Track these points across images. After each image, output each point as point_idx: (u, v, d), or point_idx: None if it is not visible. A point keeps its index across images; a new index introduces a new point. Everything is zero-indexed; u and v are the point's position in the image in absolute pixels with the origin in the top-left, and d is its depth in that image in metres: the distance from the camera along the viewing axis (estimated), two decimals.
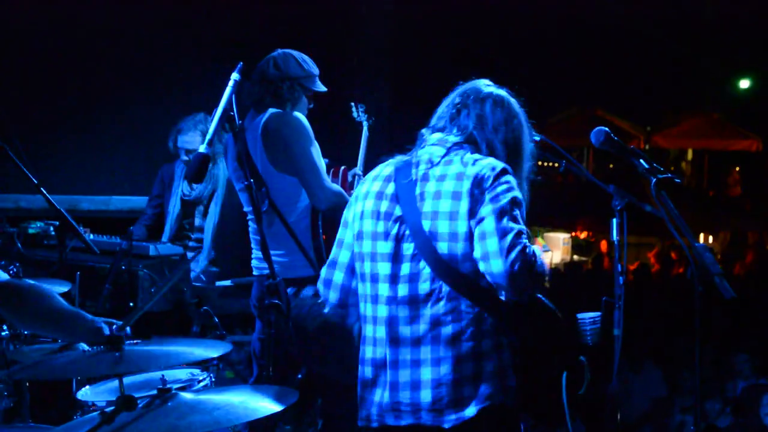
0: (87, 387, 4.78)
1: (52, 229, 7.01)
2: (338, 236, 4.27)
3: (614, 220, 4.36)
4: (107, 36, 9.93)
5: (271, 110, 5.73)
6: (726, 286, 3.82)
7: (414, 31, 11.67)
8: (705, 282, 3.87)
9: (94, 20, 9.87)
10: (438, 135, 4.10)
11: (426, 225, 3.87)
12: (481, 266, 3.78)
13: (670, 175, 4.09)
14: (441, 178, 3.92)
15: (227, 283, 6.95)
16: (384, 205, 4.01)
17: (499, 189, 3.83)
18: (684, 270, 14.86)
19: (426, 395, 3.84)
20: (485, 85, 4.20)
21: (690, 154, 31.66)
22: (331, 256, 4.29)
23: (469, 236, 3.82)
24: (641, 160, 4.13)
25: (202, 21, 10.41)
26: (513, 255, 3.70)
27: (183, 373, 4.88)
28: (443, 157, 3.99)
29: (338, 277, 4.22)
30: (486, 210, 3.79)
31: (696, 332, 4.01)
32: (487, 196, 3.81)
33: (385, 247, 3.96)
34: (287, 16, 10.98)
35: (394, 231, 3.95)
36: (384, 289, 3.95)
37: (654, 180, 4.06)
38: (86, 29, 9.82)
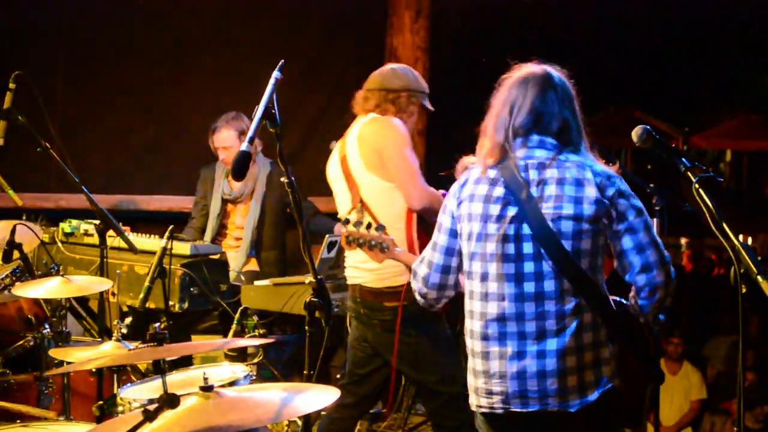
0: (129, 384, 4.82)
1: (93, 228, 7.04)
2: (433, 238, 4.46)
3: (655, 220, 4.41)
4: (146, 35, 9.95)
5: (372, 115, 5.82)
6: None
7: (451, 30, 11.63)
8: (749, 282, 3.85)
9: (133, 20, 9.90)
10: (534, 136, 4.23)
11: (550, 225, 4.06)
12: (640, 277, 4.16)
13: (711, 174, 4.08)
14: (560, 182, 4.12)
15: (266, 282, 6.96)
16: (494, 208, 4.16)
17: (634, 201, 4.15)
18: (725, 271, 14.79)
19: (552, 383, 4.08)
20: (551, 72, 4.34)
21: (728, 155, 31.48)
22: (427, 257, 4.48)
23: (595, 233, 4.08)
24: (683, 159, 4.11)
25: (240, 21, 10.41)
26: (668, 265, 4.17)
27: (225, 371, 4.90)
28: (551, 159, 4.18)
29: (434, 277, 4.44)
30: (634, 220, 4.12)
31: (740, 334, 3.99)
32: (626, 204, 4.12)
33: (504, 247, 4.12)
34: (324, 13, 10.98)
35: (512, 231, 4.12)
36: (510, 288, 4.12)
37: (696, 179, 4.05)
38: (125, 28, 9.86)
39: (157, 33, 10.01)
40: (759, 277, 3.79)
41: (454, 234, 4.35)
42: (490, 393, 4.20)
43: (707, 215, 3.96)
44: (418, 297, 4.57)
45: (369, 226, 4.97)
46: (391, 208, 5.63)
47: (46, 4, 9.51)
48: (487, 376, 4.21)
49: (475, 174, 4.30)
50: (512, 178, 4.15)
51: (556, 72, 4.35)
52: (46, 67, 9.51)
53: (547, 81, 4.27)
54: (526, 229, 4.09)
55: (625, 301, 4.33)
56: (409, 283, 5.23)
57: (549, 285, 4.07)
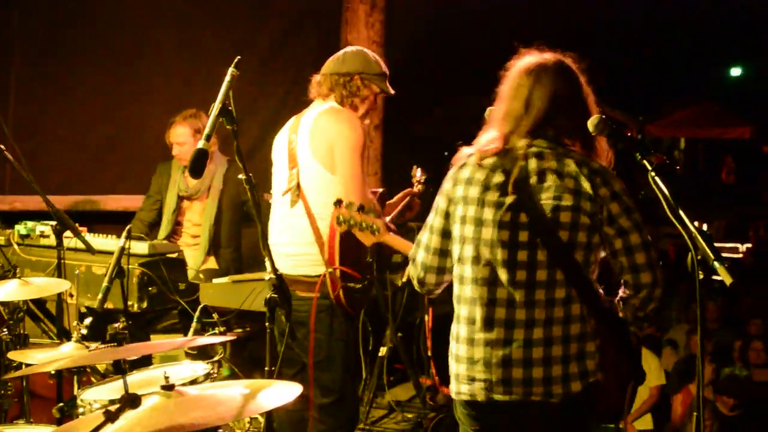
0: (90, 386, 4.79)
1: (49, 229, 6.99)
2: (429, 221, 4.43)
3: None
4: (102, 34, 9.90)
5: (331, 104, 5.80)
6: (726, 273, 3.83)
7: (407, 24, 11.64)
8: (705, 269, 3.88)
9: (89, 18, 9.84)
10: (539, 128, 4.23)
11: (547, 213, 4.08)
12: (627, 276, 4.19)
13: (667, 161, 4.11)
14: (559, 174, 4.12)
15: (225, 280, 6.94)
16: (492, 194, 4.17)
17: (627, 200, 4.17)
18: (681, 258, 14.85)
19: (537, 372, 4.08)
20: (539, 60, 4.34)
21: (683, 143, 31.68)
22: (424, 241, 4.44)
23: (591, 228, 4.10)
24: (639, 147, 4.13)
25: (198, 18, 10.38)
26: (659, 268, 4.19)
27: (186, 369, 4.89)
28: (552, 150, 4.19)
29: (433, 260, 4.41)
30: (624, 222, 4.14)
31: (698, 318, 4.02)
32: (617, 205, 4.13)
33: (499, 234, 4.13)
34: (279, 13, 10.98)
35: (508, 219, 4.12)
36: (502, 274, 4.12)
37: (652, 167, 4.08)
38: (81, 26, 9.79)
39: (112, 32, 9.96)
40: (716, 263, 3.82)
41: (447, 216, 4.33)
42: (472, 380, 4.19)
43: (663, 202, 3.99)
44: (415, 283, 4.53)
45: (361, 208, 4.97)
46: (326, 199, 5.54)
47: None
48: (471, 363, 4.20)
49: (474, 159, 4.28)
50: (512, 166, 4.16)
51: (567, 62, 4.36)
52: (0, 67, 9.42)
53: (558, 72, 4.28)
54: (522, 218, 4.10)
55: (612, 299, 4.33)
56: (326, 275, 5.28)
57: (541, 274, 4.07)
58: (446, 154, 4.65)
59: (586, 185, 4.08)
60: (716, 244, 3.80)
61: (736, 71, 29.36)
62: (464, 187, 4.24)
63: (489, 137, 4.30)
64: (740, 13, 23.41)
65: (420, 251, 4.45)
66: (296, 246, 5.71)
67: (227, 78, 4.27)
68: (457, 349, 4.27)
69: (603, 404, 4.34)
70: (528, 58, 4.33)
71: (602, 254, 4.20)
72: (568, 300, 4.08)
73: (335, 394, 5.74)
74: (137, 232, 7.65)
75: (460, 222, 4.24)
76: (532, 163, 4.15)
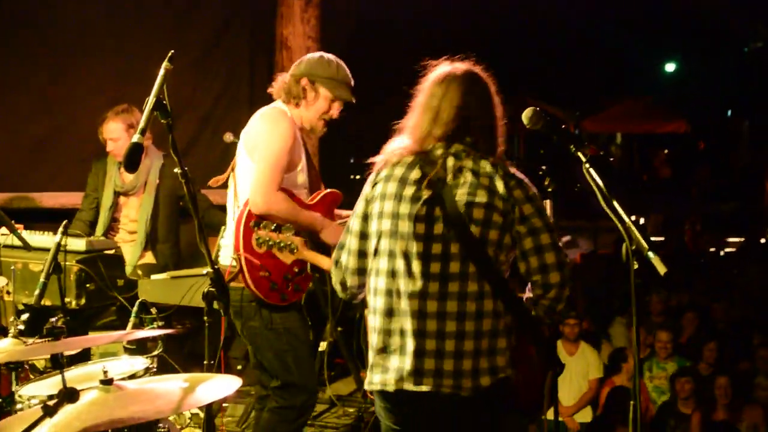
0: (28, 382, 4.77)
1: None
2: (349, 224, 4.47)
3: (547, 202, 4.47)
4: (34, 30, 9.83)
5: (276, 104, 5.86)
6: (661, 263, 3.90)
7: (342, 19, 11.67)
8: (640, 259, 3.94)
9: (20, 14, 9.77)
10: (453, 137, 4.27)
11: (461, 209, 4.13)
12: (536, 276, 4.21)
13: (602, 154, 4.16)
14: (475, 173, 4.18)
15: (163, 276, 6.92)
16: (409, 189, 4.22)
17: (539, 204, 4.21)
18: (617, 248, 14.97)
19: (449, 364, 4.12)
20: (447, 71, 4.37)
21: (619, 138, 31.94)
22: (345, 243, 4.48)
23: (503, 228, 4.15)
24: (573, 140, 4.18)
25: (131, 15, 10.34)
26: (567, 268, 4.22)
27: (124, 364, 4.87)
28: (468, 153, 4.24)
29: (353, 262, 4.44)
30: (536, 222, 4.18)
31: (633, 307, 4.08)
32: (530, 206, 4.18)
33: (414, 226, 4.18)
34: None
35: (424, 212, 4.18)
36: (417, 266, 4.16)
37: (586, 159, 4.13)
38: (11, 23, 9.72)
39: (46, 29, 9.89)
40: (650, 253, 3.89)
41: (366, 217, 4.38)
42: (386, 369, 4.24)
43: (598, 194, 4.05)
44: (338, 287, 4.56)
45: (277, 228, 5.01)
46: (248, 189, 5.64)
47: None
48: (385, 353, 4.25)
49: (393, 159, 4.33)
50: (430, 164, 4.22)
51: (477, 71, 4.39)
52: None
53: (468, 82, 4.32)
54: (438, 211, 4.16)
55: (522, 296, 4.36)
56: (237, 263, 5.38)
57: (455, 266, 4.12)
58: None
59: (500, 185, 4.14)
60: (653, 238, 3.85)
61: (670, 67, 29.64)
62: (383, 185, 4.31)
63: (400, 143, 4.37)
64: (675, 10, 23.65)
65: (342, 254, 4.49)
66: (225, 237, 5.84)
67: (161, 72, 4.27)
68: (372, 339, 4.33)
69: (523, 398, 4.41)
70: (438, 69, 4.40)
71: (512, 255, 4.23)
72: (481, 295, 4.12)
73: (278, 381, 5.81)
74: (79, 232, 7.62)
75: (378, 217, 4.30)
76: (450, 161, 4.22)
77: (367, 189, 4.40)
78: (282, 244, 5.05)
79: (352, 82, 5.95)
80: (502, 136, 4.33)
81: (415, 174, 4.23)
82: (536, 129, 4.26)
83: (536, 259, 4.17)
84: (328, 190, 6.05)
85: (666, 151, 31.18)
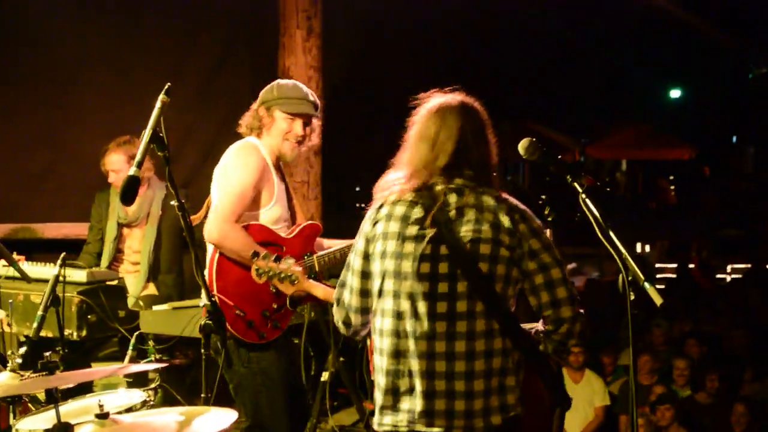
0: (26, 415, 4.76)
1: None
2: (350, 262, 4.40)
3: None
4: (38, 60, 9.87)
5: (246, 138, 5.89)
6: (657, 294, 3.89)
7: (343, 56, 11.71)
8: (636, 289, 3.93)
9: (24, 45, 9.81)
10: (452, 170, 4.22)
11: (467, 246, 4.08)
12: (548, 311, 4.17)
13: (598, 184, 4.15)
14: (479, 209, 4.14)
15: (164, 307, 6.90)
16: (412, 228, 4.16)
17: (545, 237, 4.17)
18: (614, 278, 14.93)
19: (460, 405, 4.07)
20: (466, 103, 4.33)
21: (624, 165, 31.94)
22: (347, 282, 4.40)
23: (510, 262, 4.10)
24: (569, 170, 4.17)
25: (133, 45, 10.38)
26: (577, 303, 4.17)
27: (122, 397, 4.86)
28: (469, 187, 4.19)
29: (356, 301, 4.36)
30: (545, 257, 4.14)
31: (630, 338, 4.07)
32: (537, 241, 4.14)
33: (419, 266, 4.12)
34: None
35: (429, 251, 4.11)
36: (423, 307, 4.10)
37: (582, 189, 4.12)
38: (16, 53, 9.75)
39: (48, 60, 9.93)
40: (646, 284, 3.88)
41: (367, 256, 4.31)
42: (396, 411, 4.19)
43: (594, 224, 4.04)
44: (340, 326, 4.49)
45: (278, 258, 5.00)
46: None
47: None
48: (394, 395, 4.20)
49: (393, 197, 4.28)
50: (431, 201, 4.16)
51: (470, 102, 4.35)
52: None
53: (463, 114, 4.28)
54: (443, 250, 4.10)
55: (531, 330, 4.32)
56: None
57: (461, 305, 4.06)
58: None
59: (504, 219, 4.10)
60: (658, 265, 3.85)
61: (675, 93, 29.67)
62: (384, 223, 4.24)
63: (395, 176, 4.33)
64: (679, 36, 23.69)
65: (344, 292, 4.42)
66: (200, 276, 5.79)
67: (158, 105, 4.28)
68: (380, 381, 4.27)
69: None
70: (432, 100, 4.35)
71: (518, 288, 4.18)
72: (490, 333, 4.08)
73: (248, 420, 5.76)
74: (87, 264, 7.62)
75: (380, 257, 4.23)
76: (452, 198, 4.17)
77: (366, 227, 4.33)
78: (282, 275, 5.03)
79: (312, 97, 5.96)
80: (494, 166, 4.28)
81: (417, 212, 4.17)
82: (532, 159, 4.25)
83: (547, 294, 4.14)
84: (307, 223, 6.03)
85: (671, 177, 31.22)
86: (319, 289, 5.06)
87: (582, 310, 4.19)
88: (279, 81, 6.01)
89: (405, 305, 4.15)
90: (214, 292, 5.39)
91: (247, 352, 5.65)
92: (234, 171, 5.69)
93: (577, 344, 9.40)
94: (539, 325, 4.26)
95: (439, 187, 4.19)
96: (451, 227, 4.11)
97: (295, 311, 5.84)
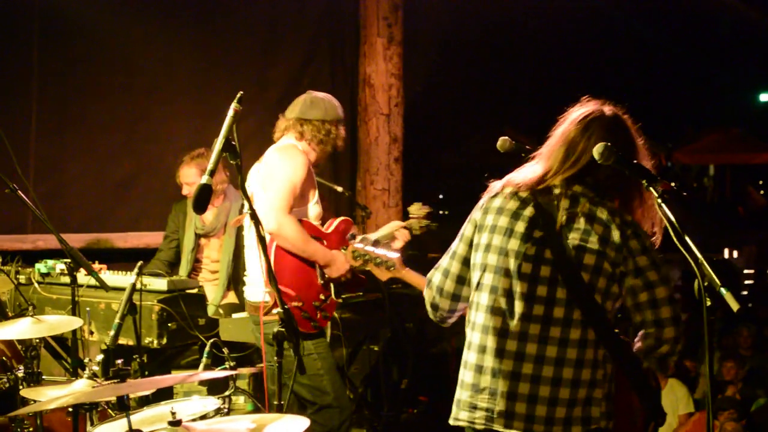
0: (101, 422, 4.80)
1: (65, 266, 7.02)
2: (453, 247, 4.40)
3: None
4: (120, 72, 9.97)
5: (285, 140, 6.24)
6: (733, 299, 3.81)
7: (424, 56, 11.70)
8: (712, 295, 3.86)
9: (108, 56, 9.92)
10: (580, 175, 4.22)
11: (571, 253, 4.06)
12: (651, 329, 4.13)
13: (674, 187, 4.09)
14: (590, 219, 4.11)
15: (244, 315, 6.94)
16: (521, 226, 4.16)
17: (656, 255, 4.13)
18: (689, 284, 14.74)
19: (541, 410, 4.03)
20: (594, 110, 4.32)
21: (712, 170, 31.53)
22: (443, 265, 4.42)
23: (611, 277, 4.06)
24: (646, 174, 4.11)
25: (213, 56, 10.46)
26: (681, 324, 4.13)
27: (196, 405, 4.88)
28: (586, 197, 4.17)
29: (450, 286, 4.37)
30: (652, 275, 4.09)
31: (706, 345, 4.00)
32: (646, 258, 4.10)
33: (522, 266, 4.11)
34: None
35: (533, 252, 4.11)
36: (519, 306, 4.09)
37: (659, 194, 4.06)
38: (100, 64, 9.87)
39: (130, 71, 10.02)
40: (722, 290, 3.80)
41: (472, 244, 4.30)
42: (474, 408, 4.16)
43: (670, 229, 3.97)
44: (429, 308, 4.50)
45: (376, 242, 5.04)
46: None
47: (17, 39, 9.49)
48: (475, 390, 4.16)
49: (508, 190, 4.27)
50: (545, 202, 4.16)
51: (621, 117, 4.33)
52: (21, 105, 9.50)
53: (612, 128, 4.25)
54: (547, 253, 4.08)
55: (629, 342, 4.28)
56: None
57: (559, 311, 4.04)
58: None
59: (615, 234, 4.06)
60: (746, 271, 3.78)
61: (765, 97, 29.23)
62: (494, 216, 4.23)
63: (528, 172, 4.30)
64: None
65: (438, 274, 4.42)
66: (249, 275, 6.20)
67: (230, 113, 4.30)
68: (463, 375, 4.24)
69: None
70: (586, 107, 4.33)
71: (618, 305, 4.15)
72: (584, 343, 4.04)
73: (313, 406, 6.11)
74: (159, 271, 7.70)
75: (484, 249, 4.22)
76: (565, 204, 4.14)
77: (477, 215, 4.32)
78: (378, 261, 5.03)
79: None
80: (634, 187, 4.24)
81: (529, 211, 4.16)
82: (608, 164, 4.19)
83: (651, 312, 4.10)
84: (341, 218, 6.35)
85: (761, 182, 30.76)
86: (415, 277, 5.03)
87: (683, 330, 4.15)
88: (329, 99, 6.43)
89: (501, 302, 4.13)
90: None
91: (303, 341, 5.83)
92: (286, 167, 5.99)
93: (677, 361, 9.28)
94: (638, 341, 4.21)
95: (557, 191, 4.17)
96: (559, 232, 4.09)
97: (340, 299, 6.23)
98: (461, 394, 4.24)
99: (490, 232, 4.21)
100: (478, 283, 4.23)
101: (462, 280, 4.34)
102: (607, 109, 4.31)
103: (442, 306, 4.42)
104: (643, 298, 4.09)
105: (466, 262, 4.32)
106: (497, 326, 4.12)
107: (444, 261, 4.42)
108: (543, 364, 4.03)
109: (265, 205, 5.89)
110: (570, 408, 4.02)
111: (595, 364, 4.06)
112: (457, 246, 4.37)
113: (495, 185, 4.34)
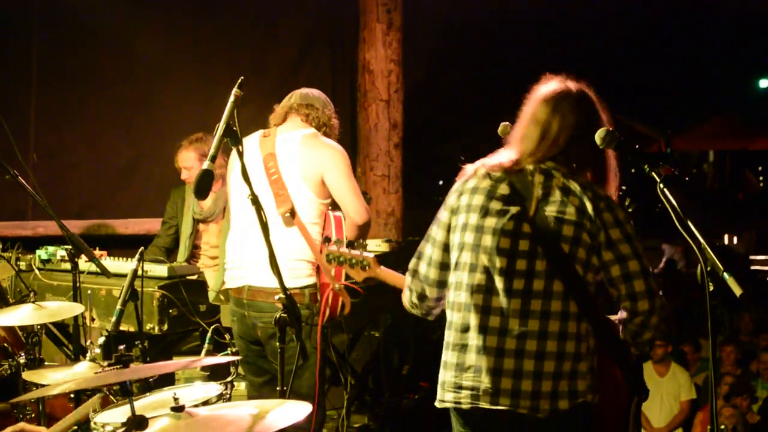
0: (104, 408, 4.80)
1: (66, 253, 7.02)
2: (431, 234, 4.40)
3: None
4: (120, 59, 9.98)
5: (312, 129, 6.11)
6: (736, 284, 3.81)
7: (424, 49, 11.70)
8: (715, 280, 3.86)
9: (107, 44, 9.92)
10: (551, 152, 4.24)
11: (550, 225, 4.07)
12: (625, 303, 4.14)
13: (676, 172, 4.09)
14: (565, 191, 4.13)
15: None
16: (496, 203, 4.17)
17: (629, 228, 4.14)
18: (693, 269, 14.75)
19: (527, 385, 4.04)
20: (561, 88, 4.34)
21: (711, 156, 31.52)
22: (426, 253, 4.42)
23: (590, 248, 4.09)
24: (647, 159, 4.11)
25: (212, 43, 10.46)
26: (656, 296, 4.12)
27: (198, 390, 4.88)
28: (559, 171, 4.19)
29: (434, 273, 4.37)
30: (624, 248, 4.10)
31: (709, 330, 4.00)
32: (618, 231, 4.11)
33: (499, 241, 4.12)
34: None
35: (510, 227, 4.12)
36: (499, 282, 4.09)
37: (660, 179, 4.06)
38: (99, 53, 9.87)
39: (129, 59, 10.03)
40: (725, 274, 3.81)
41: (449, 228, 4.31)
42: (459, 387, 4.16)
43: (672, 214, 3.97)
44: (414, 299, 4.50)
45: (350, 244, 5.03)
46: (316, 222, 5.91)
47: (17, 27, 9.49)
48: (459, 370, 4.17)
49: (481, 171, 4.29)
50: (518, 179, 4.18)
51: (587, 92, 4.36)
52: (21, 92, 9.51)
53: (577, 102, 4.29)
54: (525, 227, 4.09)
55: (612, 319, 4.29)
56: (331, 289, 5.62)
57: (539, 284, 4.05)
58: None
59: (589, 206, 4.07)
60: (751, 257, 3.77)
61: (764, 83, 29.17)
62: (468, 196, 4.24)
63: (502, 156, 4.31)
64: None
65: (422, 264, 4.42)
66: (292, 261, 5.89)
67: (231, 99, 4.30)
68: (446, 355, 4.25)
69: (606, 424, 4.31)
70: (550, 85, 4.35)
71: (599, 277, 4.15)
72: (566, 316, 4.05)
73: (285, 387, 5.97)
74: (164, 260, 7.69)
75: (461, 230, 4.23)
76: (540, 178, 4.16)
77: (452, 199, 4.34)
78: (354, 261, 5.02)
79: None
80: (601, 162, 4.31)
81: (503, 189, 4.18)
82: (609, 149, 4.19)
83: (624, 287, 4.10)
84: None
85: (760, 168, 30.75)
86: (390, 276, 5.04)
87: (661, 303, 4.12)
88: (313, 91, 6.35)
89: (481, 279, 4.14)
90: (343, 281, 5.77)
91: (313, 334, 5.82)
92: (345, 158, 6.02)
93: (656, 337, 9.25)
94: (621, 315, 4.22)
95: (530, 167, 4.19)
96: (536, 206, 4.10)
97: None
98: (445, 375, 4.24)
99: (465, 212, 4.23)
100: (456, 263, 4.25)
101: (445, 266, 4.34)
102: (573, 86, 4.34)
103: (430, 295, 4.42)
104: (615, 272, 4.10)
105: (446, 248, 4.33)
106: (478, 303, 4.13)
107: (426, 249, 4.42)
108: (526, 339, 4.04)
109: (348, 198, 5.92)
110: (556, 381, 4.03)
111: (579, 337, 4.07)
112: (435, 232, 4.38)
113: (468, 168, 4.36)
